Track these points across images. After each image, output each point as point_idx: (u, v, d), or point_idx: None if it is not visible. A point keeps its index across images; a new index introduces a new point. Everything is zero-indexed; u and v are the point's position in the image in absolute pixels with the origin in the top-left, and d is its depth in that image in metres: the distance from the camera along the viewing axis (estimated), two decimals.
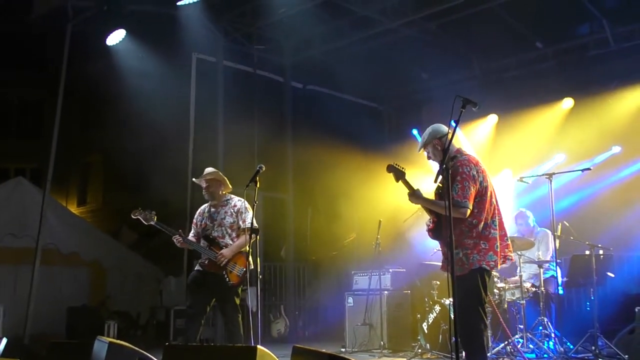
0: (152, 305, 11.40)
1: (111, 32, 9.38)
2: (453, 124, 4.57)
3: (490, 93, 10.70)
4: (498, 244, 4.90)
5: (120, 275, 12.05)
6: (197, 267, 6.36)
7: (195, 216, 6.55)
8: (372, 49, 10.73)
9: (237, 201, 6.41)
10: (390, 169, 4.97)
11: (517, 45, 10.61)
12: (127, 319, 11.31)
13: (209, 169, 6.49)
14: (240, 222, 6.28)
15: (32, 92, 19.38)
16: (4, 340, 5.57)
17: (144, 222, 6.13)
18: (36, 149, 18.38)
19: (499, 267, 4.99)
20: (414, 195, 4.93)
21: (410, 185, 4.94)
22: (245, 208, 6.31)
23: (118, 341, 4.62)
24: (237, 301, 6.24)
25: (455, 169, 4.88)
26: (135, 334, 11.05)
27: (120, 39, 9.44)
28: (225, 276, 6.13)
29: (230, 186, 6.51)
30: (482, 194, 4.88)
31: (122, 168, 12.92)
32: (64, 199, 19.23)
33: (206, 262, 6.22)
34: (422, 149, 5.17)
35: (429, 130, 5.13)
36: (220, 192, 6.43)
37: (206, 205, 6.52)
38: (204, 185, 6.43)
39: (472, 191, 4.81)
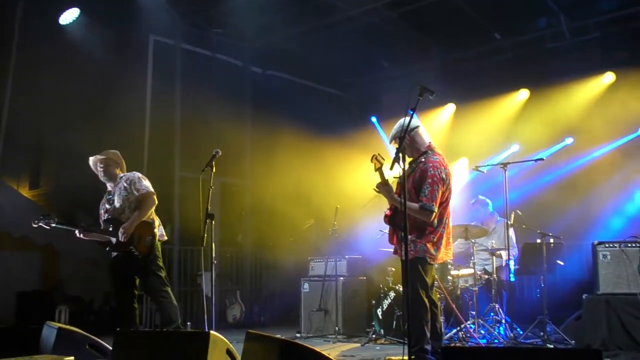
0: (106, 290, 11.20)
1: (64, 11, 9.11)
2: (410, 112, 4.61)
3: (449, 83, 10.80)
4: (443, 241, 5.08)
5: (74, 260, 11.79)
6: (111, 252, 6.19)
7: (99, 211, 6.33)
8: (333, 35, 10.66)
9: (129, 174, 6.20)
10: (373, 159, 4.96)
11: (477, 37, 10.71)
12: (80, 304, 11.09)
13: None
14: (135, 192, 6.05)
15: None
16: None
17: (46, 227, 5.93)
18: None
19: (436, 263, 5.11)
20: (384, 186, 4.98)
21: (384, 177, 5.00)
22: (139, 178, 6.13)
23: (68, 326, 4.54)
24: (162, 273, 6.08)
25: (425, 169, 4.96)
26: (88, 319, 10.85)
27: (74, 18, 9.19)
28: (133, 249, 5.96)
29: (125, 167, 6.32)
30: (446, 196, 5.04)
31: (76, 152, 12.60)
32: (15, 183, 18.69)
33: (113, 243, 6.03)
34: (393, 142, 5.15)
35: (401, 122, 5.09)
36: (117, 171, 6.21)
37: (104, 195, 6.32)
38: (100, 167, 6.15)
39: (439, 194, 4.92)
